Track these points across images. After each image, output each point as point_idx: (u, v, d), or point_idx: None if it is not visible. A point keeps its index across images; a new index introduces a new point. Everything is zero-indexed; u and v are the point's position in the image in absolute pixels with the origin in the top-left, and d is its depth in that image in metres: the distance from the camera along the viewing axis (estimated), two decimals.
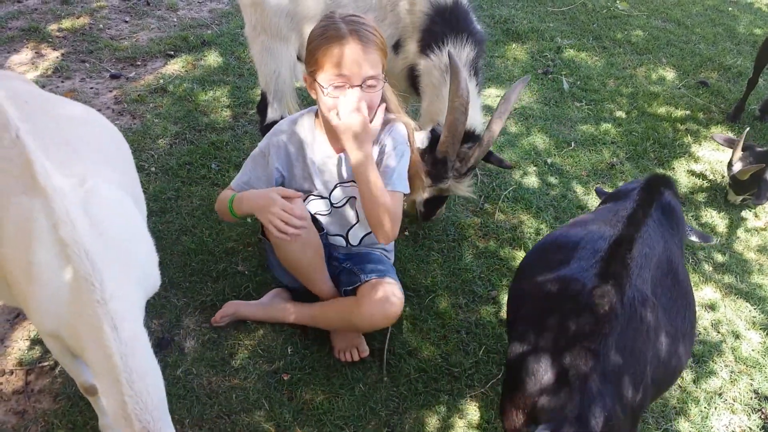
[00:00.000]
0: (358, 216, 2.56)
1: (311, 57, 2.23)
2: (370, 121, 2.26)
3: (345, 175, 2.47)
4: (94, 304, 1.48)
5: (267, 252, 2.68)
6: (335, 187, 2.48)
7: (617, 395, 1.68)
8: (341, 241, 2.63)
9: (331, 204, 2.53)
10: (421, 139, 2.75)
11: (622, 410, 1.69)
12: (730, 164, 3.69)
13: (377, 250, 2.71)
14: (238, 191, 2.42)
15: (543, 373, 1.72)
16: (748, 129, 3.81)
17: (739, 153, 3.63)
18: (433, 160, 2.80)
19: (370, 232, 2.57)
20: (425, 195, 2.98)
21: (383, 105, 2.32)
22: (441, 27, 2.80)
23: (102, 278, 1.50)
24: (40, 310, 1.59)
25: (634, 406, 1.74)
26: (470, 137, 2.84)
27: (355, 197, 2.50)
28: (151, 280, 1.81)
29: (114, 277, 1.53)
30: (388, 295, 2.42)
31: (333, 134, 2.37)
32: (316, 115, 2.45)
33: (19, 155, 1.57)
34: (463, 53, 2.81)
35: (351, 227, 2.60)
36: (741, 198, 3.70)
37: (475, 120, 2.87)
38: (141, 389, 1.47)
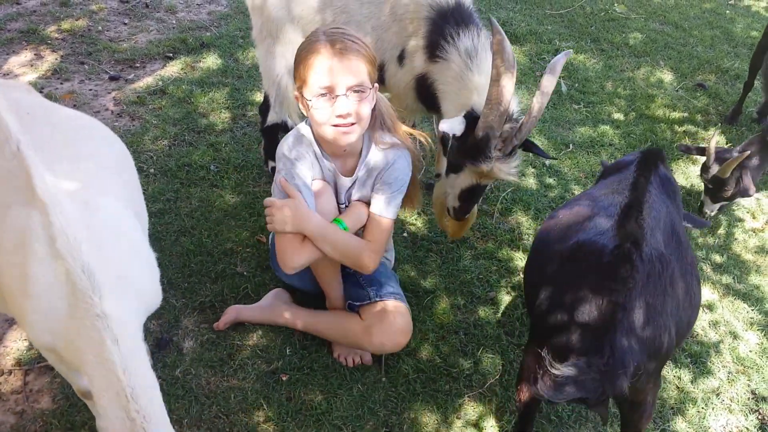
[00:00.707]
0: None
1: (296, 73, 2.22)
2: (359, 131, 2.24)
3: (342, 198, 2.48)
4: (93, 319, 1.46)
5: (274, 254, 2.65)
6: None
7: (644, 345, 1.78)
8: None
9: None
10: (457, 122, 2.55)
11: (649, 359, 1.80)
12: (705, 168, 3.52)
13: None
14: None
15: (571, 330, 1.79)
16: (717, 129, 3.77)
17: (713, 154, 3.48)
18: (472, 143, 2.53)
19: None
20: (462, 185, 2.71)
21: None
22: (447, 25, 2.71)
23: (101, 293, 1.48)
24: (36, 324, 1.57)
25: (660, 355, 1.86)
26: (509, 119, 2.58)
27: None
28: (151, 295, 1.80)
29: (113, 292, 1.52)
30: (400, 327, 2.47)
31: (329, 149, 2.36)
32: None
33: (20, 168, 1.55)
34: (480, 37, 2.71)
35: None
36: (719, 206, 3.58)
37: (512, 101, 2.61)
38: (145, 403, 1.47)
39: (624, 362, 1.72)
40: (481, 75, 2.65)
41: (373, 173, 2.44)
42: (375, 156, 2.41)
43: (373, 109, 2.30)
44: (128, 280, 1.64)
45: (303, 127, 2.39)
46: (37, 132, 1.78)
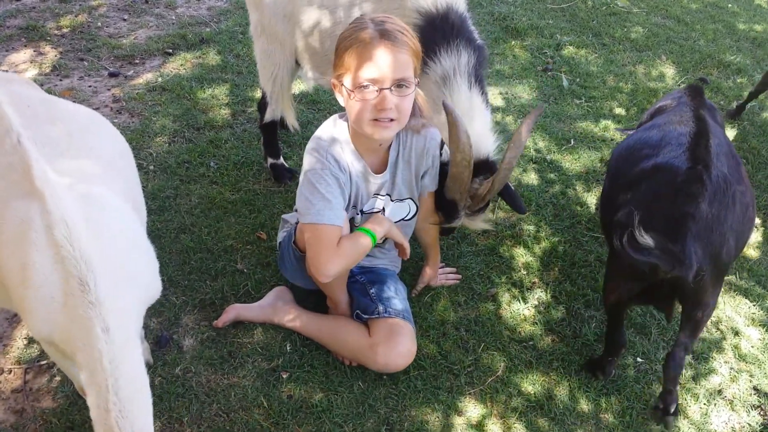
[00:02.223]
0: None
1: (339, 59, 2.13)
2: (398, 128, 2.19)
3: (380, 189, 2.44)
4: (86, 306, 1.46)
5: (283, 255, 2.63)
6: (371, 197, 2.46)
7: (707, 250, 2.10)
8: None
9: (362, 212, 2.49)
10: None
11: (710, 262, 2.12)
12: None
13: (387, 263, 2.74)
14: (337, 224, 2.24)
15: (649, 234, 2.03)
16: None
17: None
18: (442, 197, 2.53)
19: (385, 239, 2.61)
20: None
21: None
22: (432, 37, 2.52)
23: (96, 280, 1.48)
24: (35, 314, 1.57)
25: (720, 261, 2.19)
26: (483, 167, 2.51)
27: (385, 208, 2.50)
28: (151, 288, 1.79)
29: (110, 281, 1.52)
30: (406, 350, 2.46)
31: (361, 142, 2.30)
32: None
33: (20, 160, 1.55)
34: (462, 59, 2.52)
35: None
36: None
37: (487, 145, 2.54)
38: (126, 398, 1.45)
39: (690, 261, 2.02)
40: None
41: (412, 162, 2.44)
42: (411, 144, 2.41)
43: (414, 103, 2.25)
44: (126, 271, 1.63)
45: (336, 127, 2.33)
46: (38, 125, 1.78)
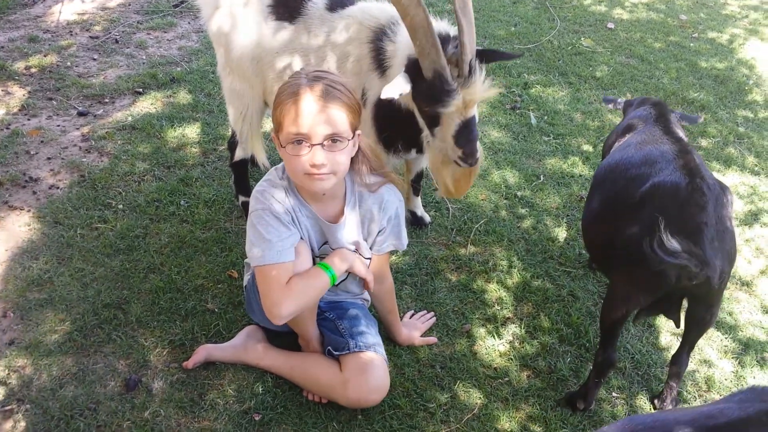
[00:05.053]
0: None
1: (274, 115, 2.14)
2: (335, 180, 2.18)
3: (330, 239, 2.41)
4: None
5: (249, 298, 2.59)
6: (323, 245, 2.43)
7: (724, 253, 2.22)
8: None
9: (316, 256, 2.45)
10: (398, 81, 2.40)
11: (727, 265, 2.25)
12: None
13: (357, 297, 2.71)
14: (282, 261, 2.20)
15: (670, 248, 2.10)
16: None
17: None
18: (429, 88, 2.39)
19: (346, 277, 2.56)
20: (450, 131, 2.49)
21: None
22: (385, 36, 2.65)
23: None
24: None
25: (731, 262, 2.31)
26: (447, 41, 2.45)
27: None
28: None
29: None
30: (379, 384, 2.42)
31: (303, 189, 2.28)
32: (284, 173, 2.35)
33: None
34: None
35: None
36: None
37: (440, 24, 2.51)
38: None
39: (714, 263, 2.13)
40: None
41: (366, 221, 2.41)
42: (365, 202, 2.38)
43: (355, 156, 2.26)
44: None
45: (280, 173, 2.33)
46: None
